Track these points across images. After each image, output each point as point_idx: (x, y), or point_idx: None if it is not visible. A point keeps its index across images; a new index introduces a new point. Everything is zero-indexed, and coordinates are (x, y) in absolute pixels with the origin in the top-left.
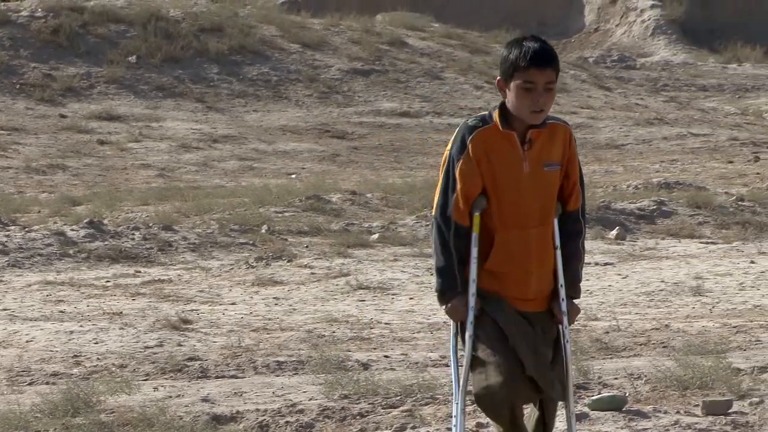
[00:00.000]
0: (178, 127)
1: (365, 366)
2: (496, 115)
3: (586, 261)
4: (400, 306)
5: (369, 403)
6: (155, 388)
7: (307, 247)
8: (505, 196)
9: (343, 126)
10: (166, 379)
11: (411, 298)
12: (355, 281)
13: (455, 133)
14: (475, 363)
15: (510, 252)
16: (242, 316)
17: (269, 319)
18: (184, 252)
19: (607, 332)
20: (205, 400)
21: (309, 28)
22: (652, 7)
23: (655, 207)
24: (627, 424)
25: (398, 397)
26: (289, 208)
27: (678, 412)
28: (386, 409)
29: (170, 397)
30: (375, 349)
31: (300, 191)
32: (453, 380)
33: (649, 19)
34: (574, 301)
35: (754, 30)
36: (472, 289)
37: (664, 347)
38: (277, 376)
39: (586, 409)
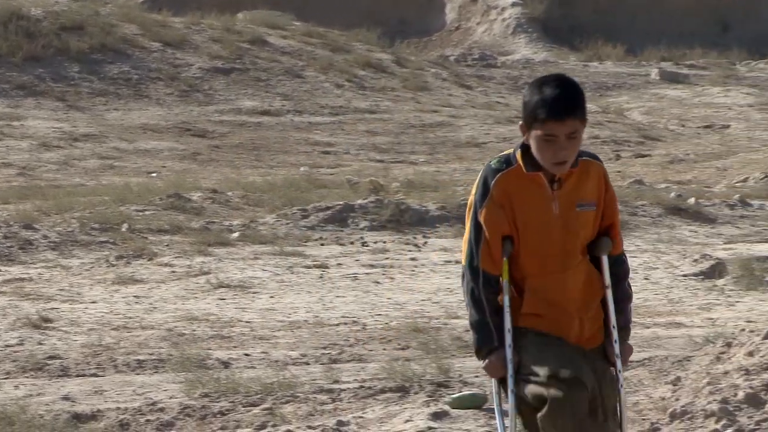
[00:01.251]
0: (39, 125)
1: (226, 364)
2: (519, 156)
3: (449, 260)
4: (261, 304)
5: (229, 402)
6: (16, 387)
7: (167, 245)
8: (534, 240)
9: (203, 124)
10: (26, 377)
11: (271, 297)
12: (215, 279)
13: (478, 178)
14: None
15: (545, 298)
16: (103, 314)
17: (130, 318)
18: (45, 250)
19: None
20: (65, 398)
21: (170, 26)
22: (513, 5)
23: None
24: (487, 423)
25: (258, 396)
26: (150, 206)
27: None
28: (247, 407)
29: (31, 395)
30: (235, 347)
31: (160, 190)
32: None
33: (510, 18)
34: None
35: (615, 28)
36: (508, 340)
37: None
38: (138, 374)
39: (446, 408)
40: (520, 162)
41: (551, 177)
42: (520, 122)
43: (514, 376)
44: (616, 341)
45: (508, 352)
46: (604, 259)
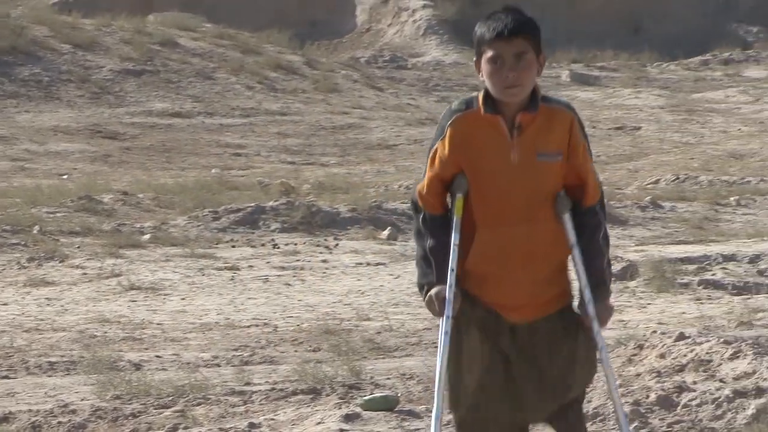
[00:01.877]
0: None
1: (137, 366)
2: (480, 98)
3: (361, 262)
4: (172, 306)
5: (141, 404)
6: None
7: (78, 247)
8: (489, 189)
9: (114, 126)
10: None
11: (183, 299)
12: (126, 281)
13: (440, 120)
14: (452, 372)
15: (489, 252)
16: (14, 316)
17: (41, 320)
18: None
19: (379, 332)
20: None
21: (80, 28)
22: (424, 7)
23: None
24: (399, 424)
25: (170, 398)
26: (61, 208)
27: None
28: (158, 409)
29: None
30: (147, 349)
31: (72, 192)
32: (436, 382)
33: (420, 19)
34: (608, 302)
35: None
36: (451, 279)
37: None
38: (50, 376)
39: (358, 410)
40: (480, 103)
41: (511, 123)
42: (474, 59)
43: (451, 318)
44: (589, 301)
45: (449, 293)
46: (565, 218)
